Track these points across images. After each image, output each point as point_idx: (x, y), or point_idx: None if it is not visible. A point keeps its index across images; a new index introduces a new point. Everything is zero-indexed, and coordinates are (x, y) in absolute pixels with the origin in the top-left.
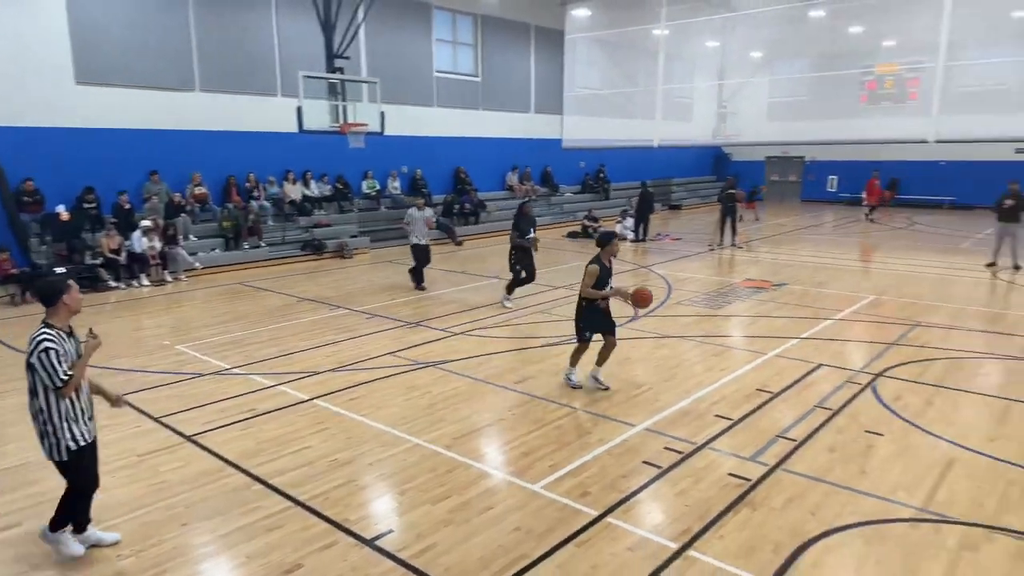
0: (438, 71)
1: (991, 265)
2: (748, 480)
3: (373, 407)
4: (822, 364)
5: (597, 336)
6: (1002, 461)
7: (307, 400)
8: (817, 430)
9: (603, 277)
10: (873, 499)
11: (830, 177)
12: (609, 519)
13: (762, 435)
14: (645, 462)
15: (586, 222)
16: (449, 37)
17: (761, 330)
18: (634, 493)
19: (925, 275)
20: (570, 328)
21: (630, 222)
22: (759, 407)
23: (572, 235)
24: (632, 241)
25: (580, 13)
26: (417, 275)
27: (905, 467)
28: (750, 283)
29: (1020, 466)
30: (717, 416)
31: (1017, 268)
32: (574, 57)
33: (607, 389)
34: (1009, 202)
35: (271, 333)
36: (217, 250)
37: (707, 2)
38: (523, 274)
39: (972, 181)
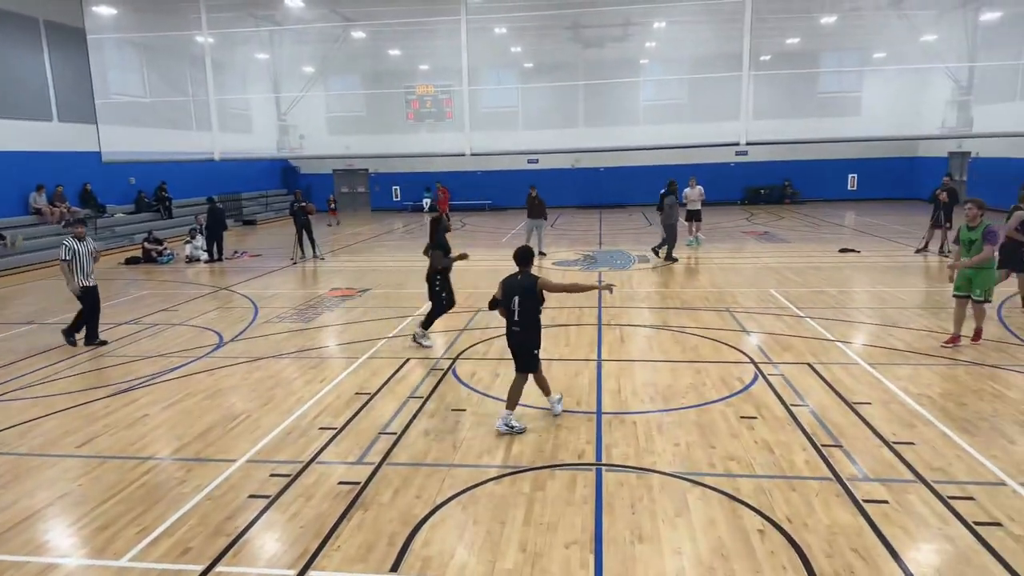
0: None
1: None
2: (358, 483)
3: None
4: (410, 358)
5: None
6: (545, 410)
7: None
8: (413, 419)
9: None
10: (465, 468)
11: (394, 187)
12: (218, 568)
13: (365, 436)
14: (252, 496)
15: (147, 245)
16: None
17: (353, 335)
18: (243, 532)
19: (480, 267)
20: (137, 368)
21: (201, 241)
22: (360, 410)
23: (132, 261)
24: (207, 261)
25: (104, 11)
26: (91, 328)
27: (486, 433)
28: (337, 292)
29: (568, 412)
30: (322, 428)
31: (543, 255)
32: (103, 60)
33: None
34: (536, 202)
35: None
36: None
37: (251, 14)
38: (445, 301)
39: (503, 187)
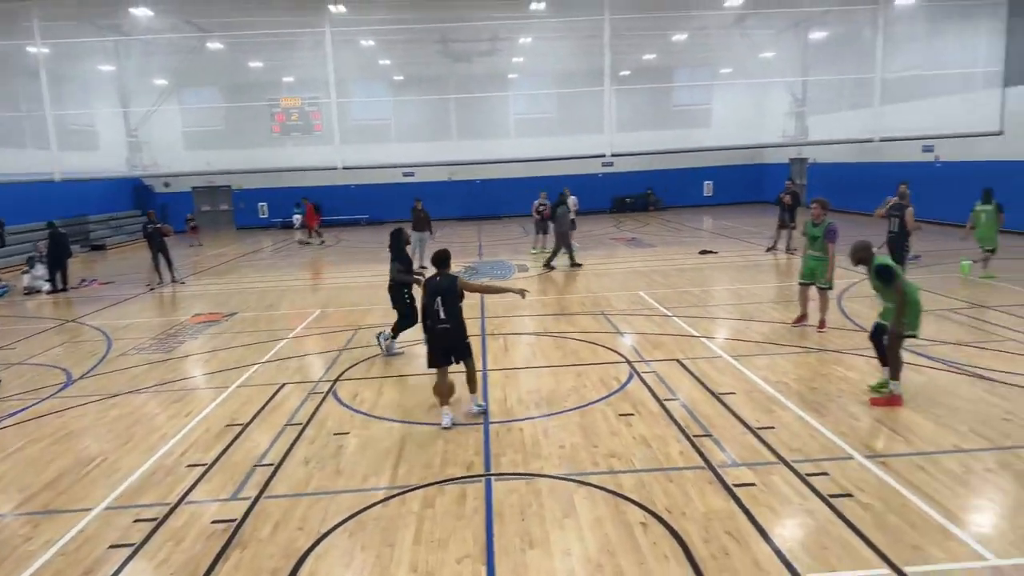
0: None
1: (423, 267)
2: (233, 520)
3: None
4: (286, 383)
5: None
6: (437, 425)
7: None
8: (291, 447)
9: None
10: (350, 494)
11: (260, 204)
12: None
13: (239, 469)
14: (113, 546)
15: None
16: None
17: (221, 364)
18: None
19: (357, 284)
20: None
21: (42, 270)
22: (232, 442)
23: None
24: (49, 292)
25: None
26: None
27: (371, 455)
28: (200, 318)
29: (456, 425)
30: (190, 466)
31: (424, 268)
32: None
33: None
34: (422, 215)
35: None
36: None
37: (93, 23)
38: (410, 313)
39: (379, 200)
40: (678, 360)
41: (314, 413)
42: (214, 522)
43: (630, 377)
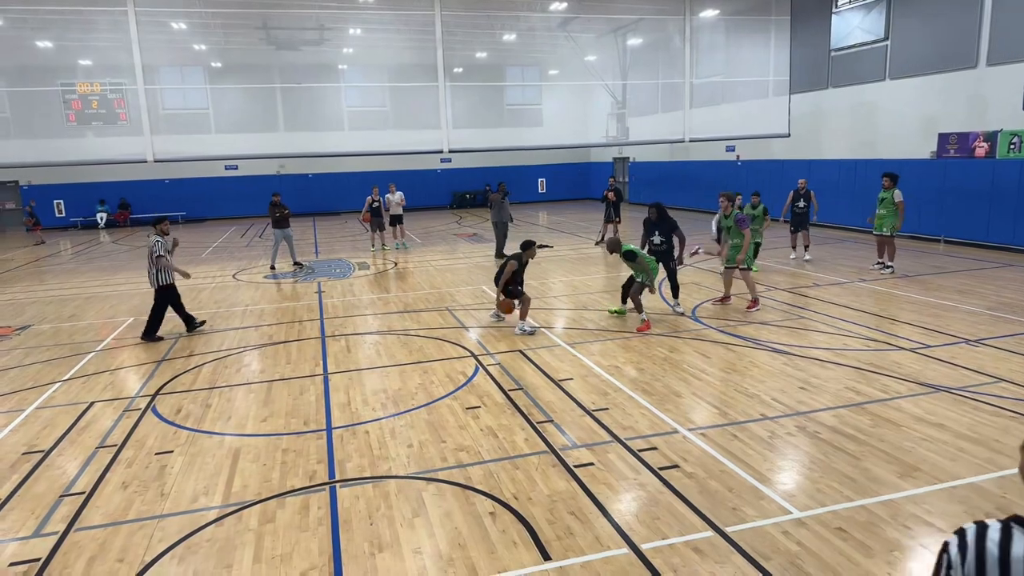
0: None
1: (272, 268)
2: (38, 560)
3: None
4: (95, 401)
5: None
6: (274, 435)
7: None
8: (105, 472)
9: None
10: (178, 517)
11: (56, 201)
12: None
13: (43, 502)
14: None
15: None
16: None
17: (13, 384)
18: None
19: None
20: None
21: None
22: (32, 471)
23: None
24: None
25: None
26: (184, 316)
27: (200, 474)
28: None
29: (287, 434)
30: None
31: (300, 265)
32: None
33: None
34: (285, 211)
35: None
36: None
37: None
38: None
39: (198, 196)
40: (520, 351)
41: (131, 432)
42: (12, 564)
43: (476, 370)
